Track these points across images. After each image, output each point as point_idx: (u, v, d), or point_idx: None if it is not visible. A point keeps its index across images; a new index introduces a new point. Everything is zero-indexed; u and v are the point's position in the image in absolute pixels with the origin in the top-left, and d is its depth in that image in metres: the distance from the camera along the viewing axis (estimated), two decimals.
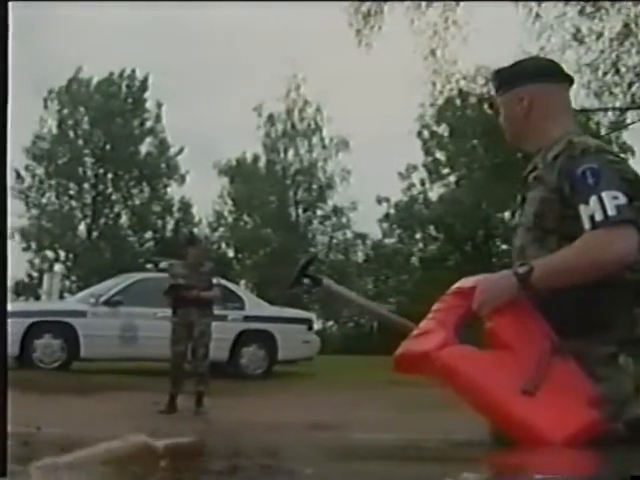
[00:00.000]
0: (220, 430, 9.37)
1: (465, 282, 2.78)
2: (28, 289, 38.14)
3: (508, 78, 2.93)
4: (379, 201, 37.40)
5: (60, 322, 12.91)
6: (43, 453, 2.08)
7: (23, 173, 39.13)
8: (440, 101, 26.44)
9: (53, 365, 12.85)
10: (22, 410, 8.05)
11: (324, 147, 38.04)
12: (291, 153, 38.52)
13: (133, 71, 40.68)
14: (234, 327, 14.07)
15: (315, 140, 38.17)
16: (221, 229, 41.20)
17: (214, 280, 11.33)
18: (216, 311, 14.14)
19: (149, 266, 14.69)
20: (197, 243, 12.46)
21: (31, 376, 11.98)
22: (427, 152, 36.65)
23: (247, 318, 14.28)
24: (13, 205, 38.97)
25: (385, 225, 38.30)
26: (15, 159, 39.16)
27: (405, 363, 2.69)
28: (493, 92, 3.09)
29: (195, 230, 41.21)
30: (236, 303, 14.45)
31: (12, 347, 12.78)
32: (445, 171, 36.71)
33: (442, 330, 2.63)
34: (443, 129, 35.14)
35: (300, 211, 39.16)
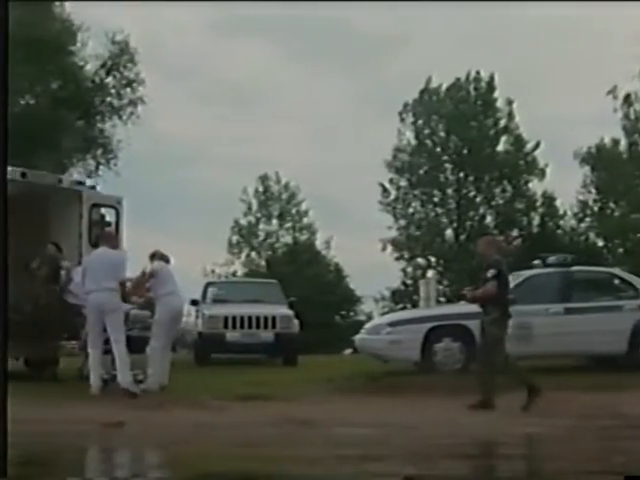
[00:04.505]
0: None
1: None
2: (405, 297, 39.46)
3: None
4: None
5: (458, 325, 13.14)
6: None
7: (388, 186, 40.69)
8: None
9: (454, 368, 13.08)
10: (442, 413, 8.23)
11: None
12: None
13: (478, 73, 40.93)
14: (631, 317, 13.53)
15: None
16: (587, 219, 40.12)
17: (489, 273, 10.41)
18: (611, 302, 13.80)
19: (536, 262, 14.53)
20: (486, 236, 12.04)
21: (435, 380, 12.29)
22: None
23: None
24: (381, 218, 40.65)
25: None
26: (379, 174, 40.87)
27: None
28: None
29: (561, 222, 40.56)
30: (631, 292, 13.92)
31: (413, 352, 13.27)
32: None
33: None
34: None
35: None
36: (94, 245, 12.78)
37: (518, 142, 40.25)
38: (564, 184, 43.38)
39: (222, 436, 8.61)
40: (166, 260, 12.18)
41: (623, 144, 38.26)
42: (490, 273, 10.40)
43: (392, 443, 8.16)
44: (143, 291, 12.13)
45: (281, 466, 6.71)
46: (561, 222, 40.85)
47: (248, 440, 8.29)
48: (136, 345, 11.94)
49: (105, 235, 12.23)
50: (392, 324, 13.74)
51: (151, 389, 11.41)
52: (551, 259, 14.11)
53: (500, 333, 10.43)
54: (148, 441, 8.51)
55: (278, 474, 6.54)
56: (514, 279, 13.95)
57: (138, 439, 8.64)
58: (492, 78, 40.60)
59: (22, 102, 29.39)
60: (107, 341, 11.44)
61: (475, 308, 13.64)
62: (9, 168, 13.47)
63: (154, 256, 12.07)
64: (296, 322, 16.82)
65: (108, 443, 8.47)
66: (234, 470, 6.55)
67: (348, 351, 28.02)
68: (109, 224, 14.08)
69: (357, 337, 14.46)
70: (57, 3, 29.83)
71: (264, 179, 45.07)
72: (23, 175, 13.43)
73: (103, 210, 14.33)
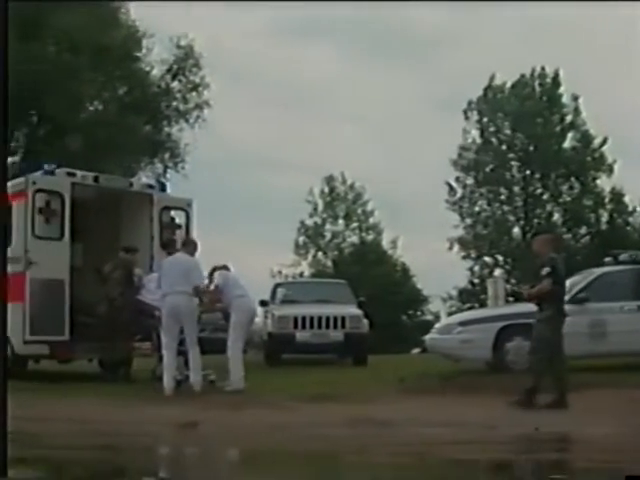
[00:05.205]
0: None
1: None
2: (472, 296, 39.17)
3: None
4: None
5: (529, 324, 12.95)
6: None
7: (454, 185, 40.51)
8: None
9: (526, 367, 12.86)
10: (516, 412, 8.11)
11: None
12: None
13: (543, 69, 40.55)
14: None
15: None
16: None
17: (543, 271, 10.32)
18: None
19: (608, 259, 14.30)
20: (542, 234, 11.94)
21: (507, 379, 12.13)
22: None
23: None
24: (448, 216, 40.47)
25: None
26: (445, 172, 40.73)
27: None
28: None
29: (630, 219, 39.96)
30: None
31: (485, 351, 13.13)
32: None
33: None
34: None
35: None
36: (164, 248, 12.92)
37: (585, 138, 39.76)
38: (633, 180, 42.94)
39: (300, 436, 8.60)
40: (226, 269, 12.37)
41: None
42: (544, 271, 10.35)
43: (469, 442, 8.09)
44: (215, 304, 12.36)
45: (364, 466, 6.69)
46: (630, 218, 40.24)
47: (326, 441, 8.28)
48: (207, 346, 12.07)
49: (185, 241, 12.46)
50: (463, 323, 13.62)
51: (239, 389, 11.52)
52: (623, 256, 13.89)
53: (551, 332, 10.37)
54: (223, 441, 8.55)
55: (363, 474, 6.52)
56: (586, 276, 13.79)
57: (213, 439, 8.69)
58: (557, 74, 40.19)
59: (91, 108, 29.84)
60: (179, 342, 11.57)
61: None
62: (81, 173, 13.73)
63: (213, 271, 12.24)
64: (366, 322, 16.78)
65: (182, 443, 8.52)
66: (317, 469, 6.55)
67: (416, 350, 27.94)
68: (179, 226, 14.21)
69: (427, 337, 14.38)
70: (123, 10, 30.21)
71: (330, 180, 45.18)
72: (96, 179, 13.63)
73: (173, 213, 14.46)
